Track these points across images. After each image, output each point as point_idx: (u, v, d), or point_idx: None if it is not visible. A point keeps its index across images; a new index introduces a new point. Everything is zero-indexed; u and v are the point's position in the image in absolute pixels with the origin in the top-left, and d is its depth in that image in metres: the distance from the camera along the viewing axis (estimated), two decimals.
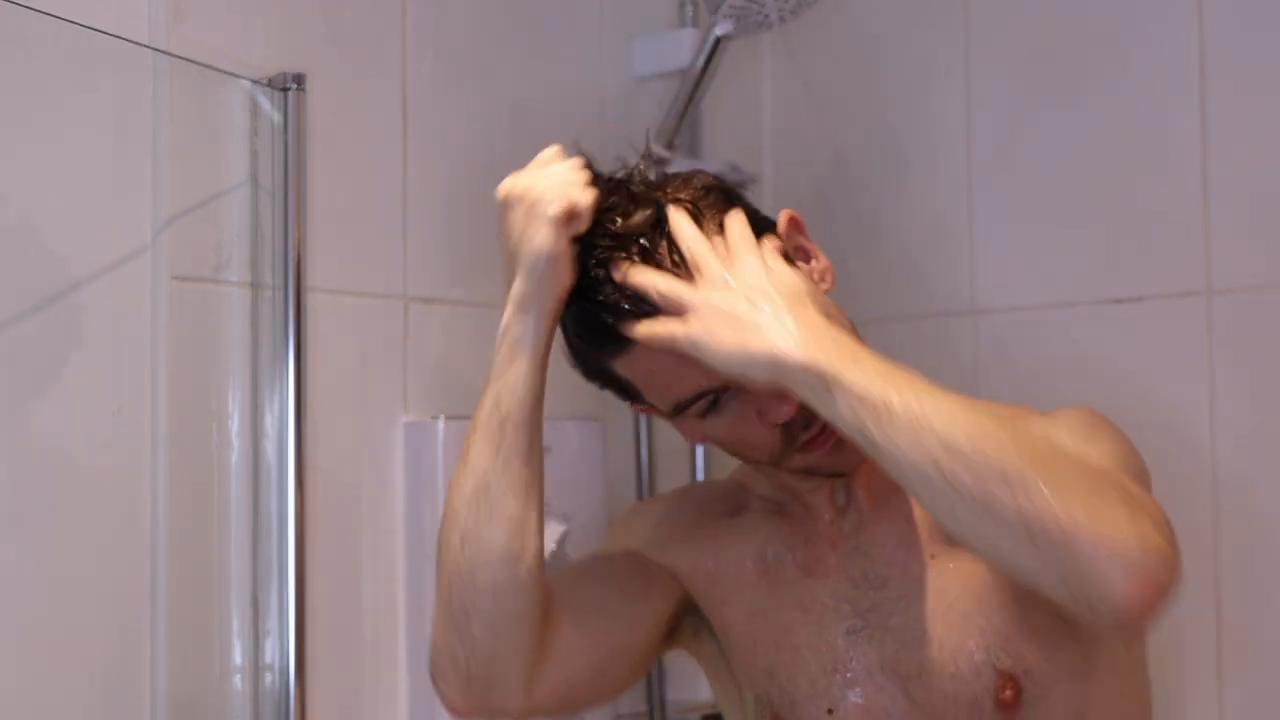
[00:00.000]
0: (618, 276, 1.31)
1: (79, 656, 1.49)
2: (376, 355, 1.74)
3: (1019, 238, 1.96)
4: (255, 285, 1.63)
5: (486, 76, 1.86)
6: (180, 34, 1.56)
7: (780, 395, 1.28)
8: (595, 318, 1.32)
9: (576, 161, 1.37)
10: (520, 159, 1.85)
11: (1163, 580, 1.14)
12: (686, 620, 1.51)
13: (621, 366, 1.35)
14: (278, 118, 1.62)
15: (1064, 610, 1.18)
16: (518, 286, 1.33)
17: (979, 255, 1.98)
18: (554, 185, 1.32)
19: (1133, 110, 1.89)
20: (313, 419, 1.63)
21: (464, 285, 1.82)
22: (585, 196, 1.32)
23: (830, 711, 1.39)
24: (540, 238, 1.31)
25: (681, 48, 1.98)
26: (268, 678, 1.60)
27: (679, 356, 1.29)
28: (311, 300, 1.64)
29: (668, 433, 2.01)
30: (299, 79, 1.61)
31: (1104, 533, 1.13)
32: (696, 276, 1.30)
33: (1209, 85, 1.83)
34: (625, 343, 1.31)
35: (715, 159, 2.04)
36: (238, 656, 1.60)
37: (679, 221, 1.32)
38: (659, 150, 1.93)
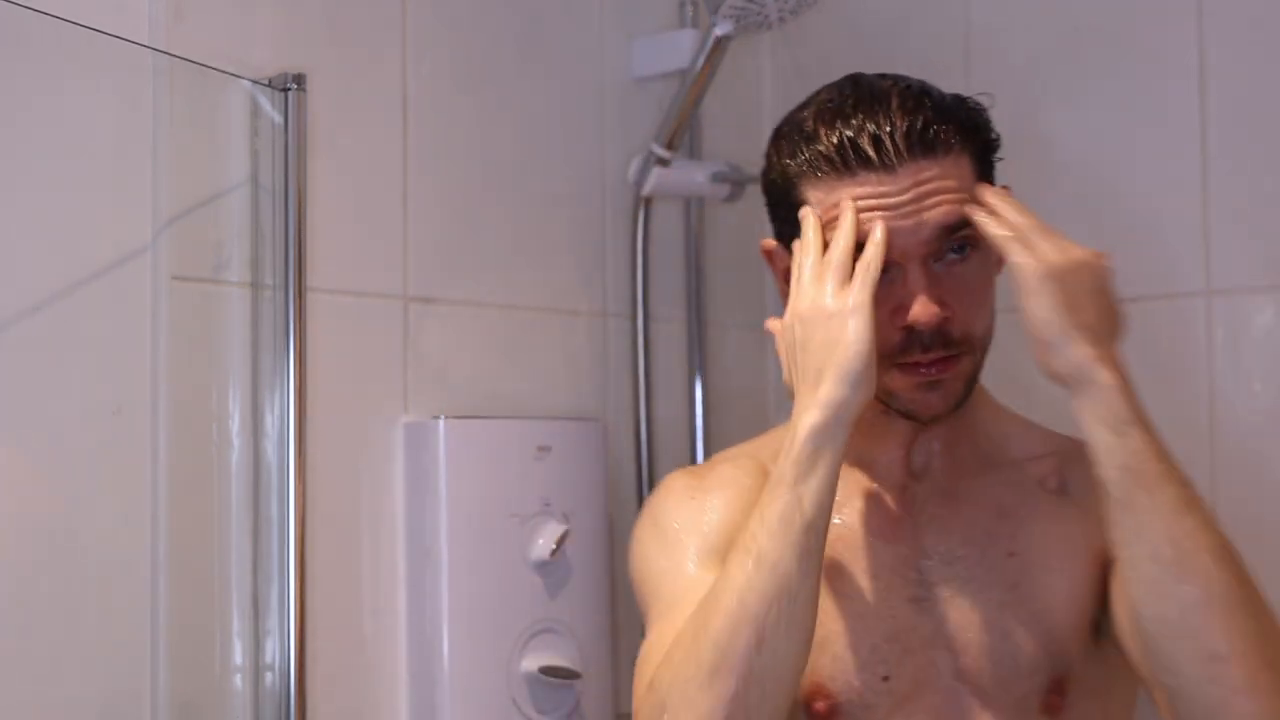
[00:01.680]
0: None
1: (80, 657, 1.49)
2: (376, 355, 1.74)
3: None
4: (255, 285, 1.63)
5: (487, 76, 1.87)
6: (180, 34, 1.56)
7: (924, 300, 1.32)
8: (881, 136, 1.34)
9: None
10: (521, 159, 1.92)
11: None
12: None
13: (828, 194, 1.35)
14: (278, 118, 1.62)
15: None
16: (831, 390, 1.30)
17: None
18: (859, 298, 1.32)
19: (1133, 110, 1.90)
20: (313, 419, 1.63)
21: (464, 285, 1.83)
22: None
23: (886, 679, 1.38)
24: (857, 343, 1.30)
25: (681, 48, 1.98)
26: (268, 678, 1.60)
27: (892, 211, 1.31)
28: (311, 300, 1.64)
29: (667, 433, 2.02)
30: (299, 79, 1.61)
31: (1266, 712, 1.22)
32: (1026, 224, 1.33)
33: (1208, 84, 1.84)
34: (861, 164, 1.33)
35: (715, 159, 2.05)
36: (238, 656, 1.60)
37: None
38: (659, 150, 1.94)
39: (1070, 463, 1.45)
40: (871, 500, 1.44)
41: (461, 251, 1.83)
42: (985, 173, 1.38)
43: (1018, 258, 1.29)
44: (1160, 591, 1.25)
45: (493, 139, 1.87)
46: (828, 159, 1.35)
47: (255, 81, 1.61)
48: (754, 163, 2.07)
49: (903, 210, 1.32)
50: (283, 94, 1.61)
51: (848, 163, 1.34)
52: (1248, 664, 1.23)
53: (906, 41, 2.06)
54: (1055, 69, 1.96)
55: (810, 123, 1.39)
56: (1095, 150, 1.91)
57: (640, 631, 1.99)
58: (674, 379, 2.04)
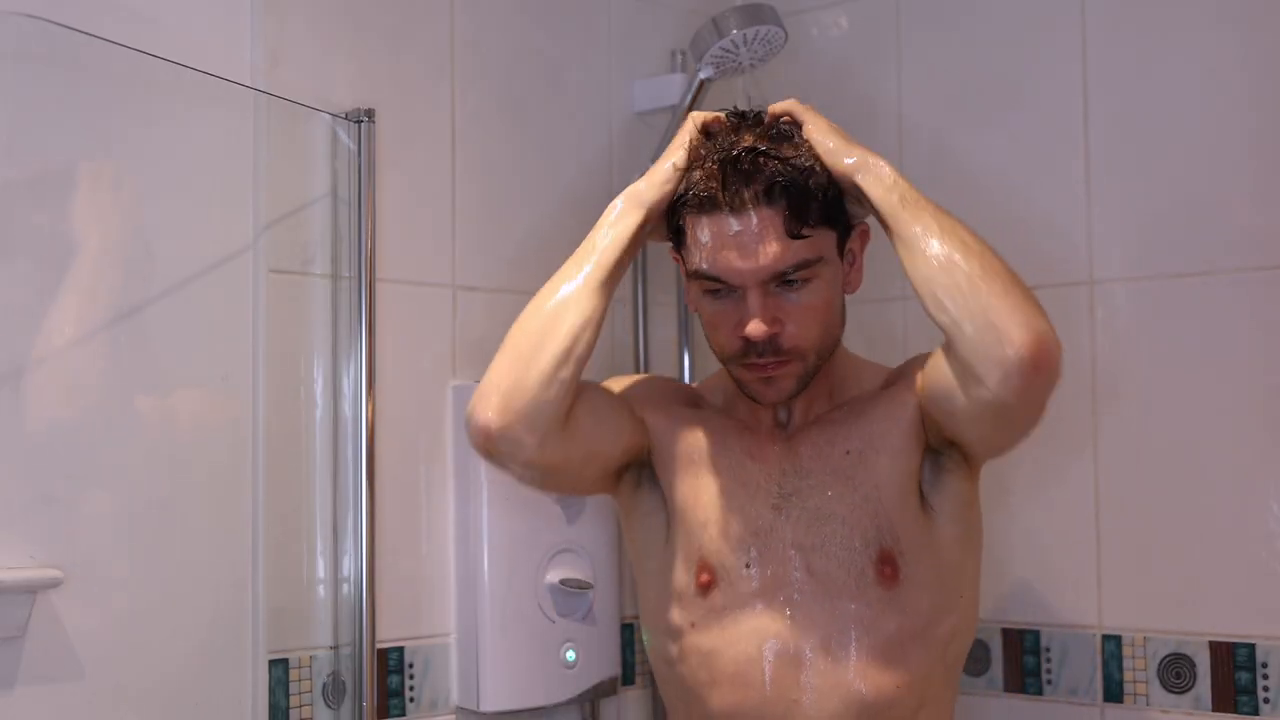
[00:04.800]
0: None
1: (196, 569, 1.54)
2: (431, 331, 1.76)
3: None
4: (335, 276, 1.66)
5: (518, 112, 1.90)
6: (275, 77, 1.62)
7: (757, 321, 1.40)
8: (714, 177, 1.42)
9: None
10: (545, 176, 1.92)
11: (1052, 352, 1.30)
12: (629, 473, 1.56)
13: (695, 225, 1.43)
14: (352, 144, 1.66)
15: (965, 371, 1.33)
16: (637, 186, 1.46)
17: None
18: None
19: (1030, 136, 1.91)
20: (380, 383, 1.67)
21: (500, 276, 1.84)
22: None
23: (748, 566, 1.47)
24: (673, 159, 1.45)
25: (673, 88, 1.99)
26: (344, 588, 1.65)
27: (737, 248, 1.39)
28: (379, 288, 1.67)
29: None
30: (370, 113, 1.66)
31: (1029, 309, 1.31)
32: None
33: (1091, 112, 1.85)
34: (715, 207, 1.41)
35: None
36: (321, 571, 1.65)
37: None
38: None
39: (898, 372, 1.53)
40: (749, 436, 1.53)
41: (498, 249, 1.84)
42: (833, 217, 1.43)
43: (810, 125, 1.43)
44: (935, 264, 1.33)
45: (523, 160, 1.89)
46: (695, 202, 1.43)
47: (334, 115, 1.65)
48: None
49: (745, 250, 1.40)
50: (356, 125, 1.65)
51: (703, 206, 1.42)
52: (1000, 279, 1.32)
53: (848, 82, 2.08)
54: (970, 103, 1.95)
55: (693, 172, 1.46)
56: (1000, 167, 1.92)
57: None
58: (666, 349, 2.04)
